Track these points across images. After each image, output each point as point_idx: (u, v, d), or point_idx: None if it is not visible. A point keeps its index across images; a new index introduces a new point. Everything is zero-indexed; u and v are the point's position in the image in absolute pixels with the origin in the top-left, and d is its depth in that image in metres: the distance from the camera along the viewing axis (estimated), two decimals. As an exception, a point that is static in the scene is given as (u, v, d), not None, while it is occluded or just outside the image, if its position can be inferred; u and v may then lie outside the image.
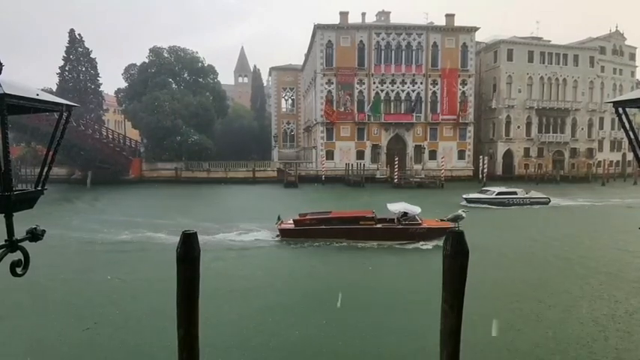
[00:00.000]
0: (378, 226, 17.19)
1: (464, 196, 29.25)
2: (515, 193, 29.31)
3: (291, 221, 17.78)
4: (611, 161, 55.74)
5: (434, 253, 14.95)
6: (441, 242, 15.78)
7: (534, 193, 30.13)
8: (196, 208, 27.60)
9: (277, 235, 17.58)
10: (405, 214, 17.35)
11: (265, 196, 35.52)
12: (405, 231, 16.98)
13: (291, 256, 16.14)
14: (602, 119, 56.24)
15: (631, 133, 2.67)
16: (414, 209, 17.52)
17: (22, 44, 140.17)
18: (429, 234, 16.84)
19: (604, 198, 34.09)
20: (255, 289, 11.77)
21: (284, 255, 16.28)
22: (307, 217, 17.79)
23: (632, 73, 59.49)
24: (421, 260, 15.05)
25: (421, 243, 16.69)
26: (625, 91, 52.26)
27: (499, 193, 29.17)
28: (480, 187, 34.54)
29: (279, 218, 17.99)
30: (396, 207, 17.58)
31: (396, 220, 17.31)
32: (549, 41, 55.14)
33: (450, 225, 16.60)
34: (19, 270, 2.35)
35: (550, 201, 29.03)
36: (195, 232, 4.10)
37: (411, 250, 16.29)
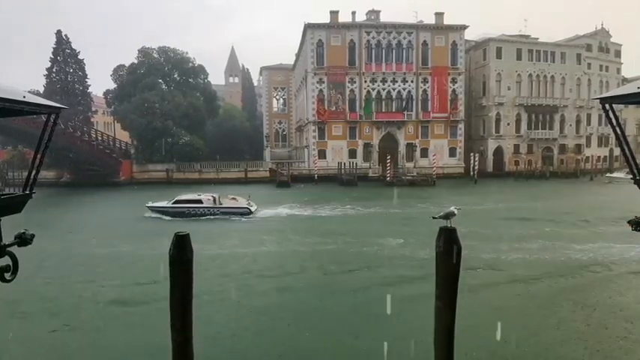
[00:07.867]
0: None
1: (147, 204, 24.39)
2: (200, 201, 23.93)
3: None
4: (599, 156, 56.64)
5: None
6: None
7: (230, 202, 24.75)
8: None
9: None
10: None
11: (271, 196, 34.81)
12: None
13: None
14: (589, 115, 56.99)
15: (617, 129, 2.72)
16: None
17: (10, 45, 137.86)
18: None
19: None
20: None
21: None
22: None
23: (618, 70, 60.34)
24: None
25: None
26: (611, 88, 53.05)
27: (177, 202, 24.06)
28: (473, 184, 32.19)
29: None
30: None
31: None
32: (537, 39, 55.73)
33: None
34: (7, 275, 2.31)
35: (250, 212, 23.83)
36: (188, 234, 4.05)
37: None
